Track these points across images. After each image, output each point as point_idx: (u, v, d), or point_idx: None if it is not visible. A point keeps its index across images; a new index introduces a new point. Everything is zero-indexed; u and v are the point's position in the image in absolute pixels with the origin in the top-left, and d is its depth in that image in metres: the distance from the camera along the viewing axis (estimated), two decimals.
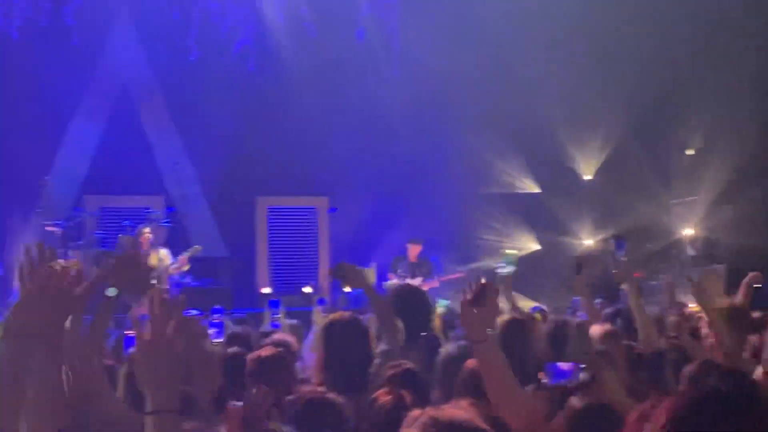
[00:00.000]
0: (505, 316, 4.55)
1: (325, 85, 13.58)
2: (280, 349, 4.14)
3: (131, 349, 3.95)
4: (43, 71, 12.65)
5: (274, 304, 5.89)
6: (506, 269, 5.44)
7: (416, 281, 11.11)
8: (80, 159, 13.45)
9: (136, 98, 13.84)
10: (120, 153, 13.25)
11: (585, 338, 3.91)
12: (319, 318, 6.17)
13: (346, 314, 4.08)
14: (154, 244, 11.67)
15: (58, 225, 12.15)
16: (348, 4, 13.63)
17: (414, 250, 12.16)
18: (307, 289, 12.97)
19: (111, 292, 3.71)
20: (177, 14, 13.15)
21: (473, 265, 13.42)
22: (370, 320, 5.99)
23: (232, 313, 8.93)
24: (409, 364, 3.73)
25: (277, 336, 4.79)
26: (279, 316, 5.82)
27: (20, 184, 12.41)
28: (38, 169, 12.44)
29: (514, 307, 5.43)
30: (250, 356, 4.06)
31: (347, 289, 12.40)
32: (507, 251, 5.50)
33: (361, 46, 13.70)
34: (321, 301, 6.47)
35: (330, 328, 3.86)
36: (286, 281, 13.76)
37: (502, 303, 5.26)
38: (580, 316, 5.47)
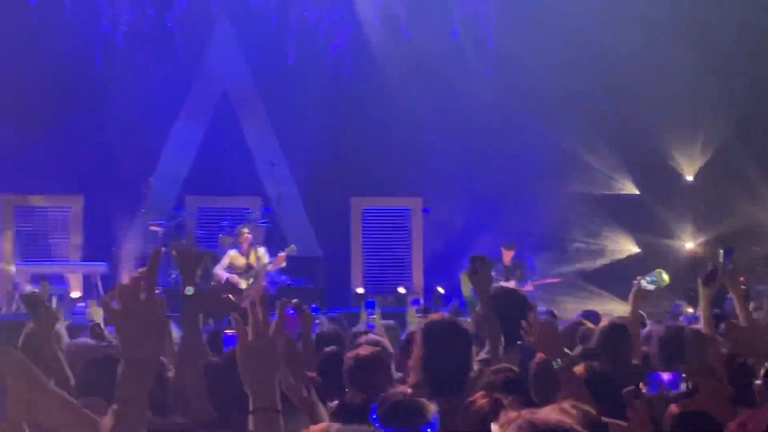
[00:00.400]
0: (604, 321, 4.46)
1: (420, 85, 13.60)
2: (378, 348, 4.16)
3: (231, 348, 4.06)
4: (147, 76, 13.10)
5: (370, 304, 5.91)
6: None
7: (509, 285, 11.01)
8: (182, 160, 13.86)
9: (235, 101, 14.17)
10: (219, 154, 13.61)
11: (703, 346, 3.82)
12: (414, 319, 6.19)
13: (446, 317, 4.06)
14: (253, 244, 11.92)
15: (161, 225, 12.57)
16: (442, 5, 13.62)
17: (508, 255, 12.06)
18: (401, 290, 13.05)
19: (189, 290, 3.82)
20: (275, 19, 13.42)
21: (569, 269, 13.22)
22: (468, 324, 5.97)
23: (327, 312, 9.04)
24: (511, 370, 3.69)
25: (371, 336, 4.82)
26: (374, 317, 5.85)
27: (127, 185, 12.88)
28: (143, 170, 12.90)
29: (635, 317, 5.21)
30: (349, 354, 4.09)
31: (440, 290, 12.44)
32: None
33: (455, 45, 13.67)
34: (415, 302, 6.47)
35: (429, 330, 3.83)
36: (380, 282, 13.84)
37: (627, 311, 5.19)
38: (683, 321, 5.32)
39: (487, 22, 13.70)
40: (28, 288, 11.18)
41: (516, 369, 3.80)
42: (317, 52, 13.61)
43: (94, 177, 13.08)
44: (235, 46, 14.01)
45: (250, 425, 2.14)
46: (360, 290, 13.41)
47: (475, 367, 3.89)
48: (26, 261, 12.49)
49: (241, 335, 2.20)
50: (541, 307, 7.10)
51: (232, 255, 11.70)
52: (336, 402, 3.89)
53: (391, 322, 6.36)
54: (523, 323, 3.79)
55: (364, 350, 4.03)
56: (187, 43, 13.35)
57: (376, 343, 4.37)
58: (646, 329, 5.33)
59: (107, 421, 2.00)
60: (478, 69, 13.69)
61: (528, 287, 11.51)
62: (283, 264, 12.02)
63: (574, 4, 13.20)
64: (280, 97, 13.90)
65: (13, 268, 12.37)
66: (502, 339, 4.39)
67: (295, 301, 4.68)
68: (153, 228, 12.53)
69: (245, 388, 2.19)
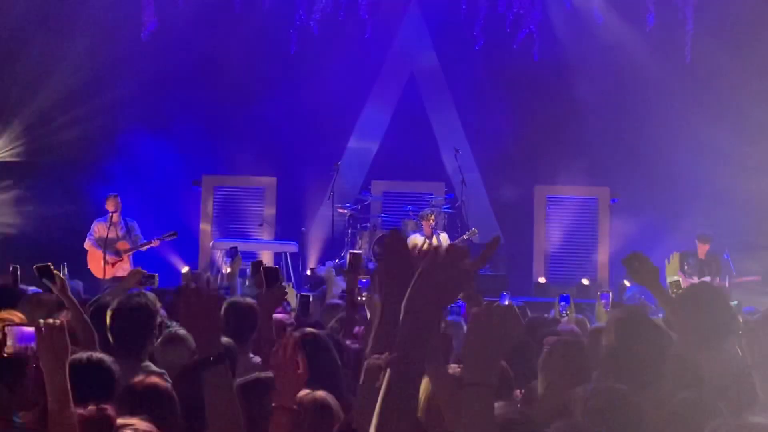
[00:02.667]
0: None
1: (610, 72, 13.18)
2: (577, 339, 4.13)
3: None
4: (338, 62, 13.50)
5: (564, 299, 5.82)
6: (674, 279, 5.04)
7: (705, 280, 10.50)
8: (369, 145, 14.20)
9: (422, 87, 14.32)
10: (405, 140, 13.82)
11: None
12: (602, 312, 6.03)
13: (636, 309, 3.94)
14: (436, 229, 12.05)
15: (348, 207, 12.97)
16: None
17: (703, 248, 11.48)
18: (585, 282, 12.74)
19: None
20: (464, 4, 13.42)
21: None
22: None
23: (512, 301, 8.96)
24: None
25: (567, 326, 4.76)
26: (567, 312, 5.75)
27: (317, 168, 13.37)
28: (333, 154, 13.33)
29: None
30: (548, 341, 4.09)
31: (627, 284, 12.03)
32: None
33: (651, 34, 13.12)
34: (604, 296, 6.28)
35: (621, 324, 3.73)
36: (562, 272, 13.59)
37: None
38: None
39: (685, 4, 13.04)
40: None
41: None
42: (505, 39, 13.50)
43: (287, 160, 13.67)
44: (423, 32, 14.14)
45: (462, 400, 2.17)
46: (542, 280, 13.24)
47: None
48: (223, 238, 13.26)
49: (476, 312, 2.23)
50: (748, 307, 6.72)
51: (416, 238, 11.87)
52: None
53: (579, 315, 6.22)
54: None
55: (565, 337, 4.02)
56: (376, 30, 13.63)
57: (573, 334, 4.32)
58: None
59: None
60: (674, 55, 13.08)
61: (723, 284, 10.91)
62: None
63: None
64: (467, 83, 13.91)
65: (211, 244, 13.19)
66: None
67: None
68: (340, 210, 12.96)
69: (463, 362, 2.25)
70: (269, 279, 4.15)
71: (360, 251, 4.56)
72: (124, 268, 10.60)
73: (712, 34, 12.82)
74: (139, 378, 3.20)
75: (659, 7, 13.12)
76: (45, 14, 12.88)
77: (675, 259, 5.59)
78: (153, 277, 5.66)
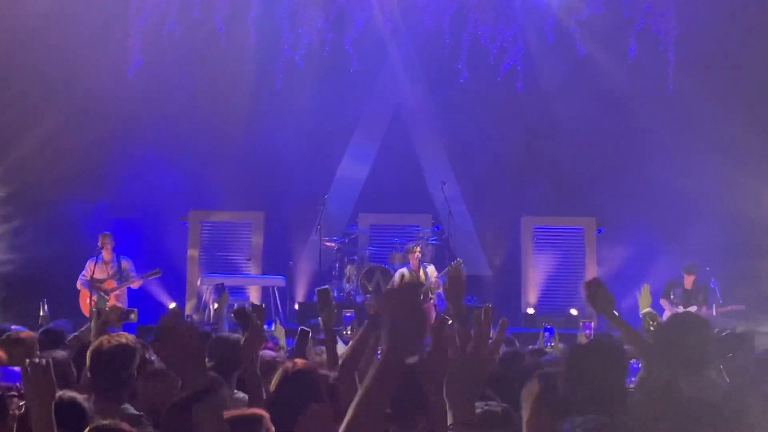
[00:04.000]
0: None
1: (594, 104, 13.31)
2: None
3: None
4: (324, 97, 13.59)
5: (549, 330, 5.85)
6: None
7: (691, 310, 10.54)
8: (356, 178, 14.24)
9: (408, 119, 14.41)
10: (392, 172, 13.88)
11: None
12: (584, 342, 6.04)
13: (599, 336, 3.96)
14: (423, 261, 12.06)
15: (335, 241, 12.99)
16: (619, 21, 13.28)
17: (689, 279, 11.55)
18: (573, 312, 12.75)
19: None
20: (448, 38, 13.57)
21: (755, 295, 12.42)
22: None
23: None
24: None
25: (552, 357, 4.77)
26: (552, 344, 5.77)
27: (304, 202, 13.38)
28: (320, 188, 13.36)
29: None
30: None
31: None
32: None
33: (633, 65, 13.28)
34: (587, 326, 6.30)
35: (578, 353, 3.73)
36: (550, 302, 13.59)
37: None
38: None
39: (666, 36, 13.21)
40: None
41: None
42: (489, 71, 13.62)
43: (274, 194, 13.68)
44: (409, 65, 14.27)
45: None
46: (530, 311, 13.24)
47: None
48: (210, 273, 13.22)
49: (459, 349, 2.24)
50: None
51: (403, 273, 11.88)
52: None
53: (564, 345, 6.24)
54: None
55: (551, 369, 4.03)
56: (362, 64, 13.73)
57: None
58: None
59: None
60: (656, 86, 13.23)
61: (710, 313, 10.95)
62: (440, 290, 12.10)
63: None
64: (452, 116, 14.02)
65: (198, 281, 13.14)
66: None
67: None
68: (328, 244, 12.97)
69: (448, 400, 2.25)
70: (242, 322, 4.10)
71: (326, 287, 4.49)
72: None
73: (693, 65, 13.01)
74: (105, 422, 3.17)
75: (640, 40, 13.30)
76: (30, 50, 12.89)
77: (645, 291, 5.64)
78: (131, 312, 5.66)
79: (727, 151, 12.92)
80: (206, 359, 3.68)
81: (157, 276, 11.21)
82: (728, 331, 4.69)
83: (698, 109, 13.00)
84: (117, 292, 11.01)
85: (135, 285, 11.16)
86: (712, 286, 11.44)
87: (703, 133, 12.95)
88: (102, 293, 10.75)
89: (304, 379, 3.63)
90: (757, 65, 12.61)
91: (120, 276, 11.11)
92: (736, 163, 12.90)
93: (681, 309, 10.72)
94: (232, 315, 4.62)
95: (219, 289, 9.06)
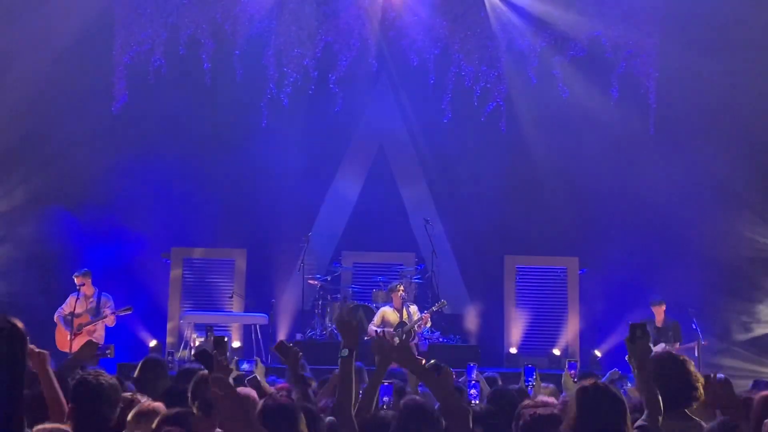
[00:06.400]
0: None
1: (578, 144, 13.42)
2: (554, 410, 4.10)
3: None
4: (308, 135, 13.65)
5: (529, 371, 5.80)
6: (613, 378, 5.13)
7: (658, 348, 10.55)
8: (339, 216, 14.23)
9: (392, 159, 14.46)
10: (375, 211, 13.89)
11: None
12: (570, 383, 5.99)
13: (600, 383, 3.92)
14: (406, 300, 12.02)
15: (318, 279, 12.94)
16: (601, 62, 13.43)
17: (659, 311, 11.61)
18: (556, 352, 12.72)
19: (344, 353, 4.02)
20: (432, 78, 13.68)
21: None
22: (630, 392, 5.73)
23: (483, 371, 8.91)
24: None
25: (540, 398, 4.72)
26: (532, 384, 5.73)
27: (287, 240, 13.34)
28: (303, 225, 13.33)
29: None
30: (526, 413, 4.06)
31: (598, 354, 12.02)
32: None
33: (614, 105, 13.44)
34: (572, 366, 6.25)
35: (583, 394, 3.72)
36: (533, 342, 13.55)
37: None
38: None
39: (647, 79, 13.38)
40: (200, 340, 11.76)
41: None
42: (473, 111, 13.71)
43: (256, 231, 13.64)
44: (392, 105, 14.34)
45: None
46: (513, 350, 13.20)
47: None
48: (192, 311, 13.11)
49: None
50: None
51: (386, 311, 11.84)
52: None
53: (551, 385, 6.19)
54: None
55: (542, 411, 4.00)
56: (347, 103, 13.79)
57: (547, 405, 4.29)
58: None
59: None
60: (638, 127, 13.36)
61: (676, 348, 11.00)
62: (428, 324, 12.07)
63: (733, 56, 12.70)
64: (436, 155, 14.10)
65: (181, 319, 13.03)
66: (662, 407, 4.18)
67: (433, 361, 4.79)
68: (311, 282, 12.92)
69: None
70: (206, 364, 3.92)
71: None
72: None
73: (674, 106, 13.15)
74: None
75: (622, 81, 13.46)
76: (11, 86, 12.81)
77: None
78: (108, 348, 5.59)
79: (710, 191, 13.05)
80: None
81: (129, 313, 11.21)
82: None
83: (680, 150, 13.14)
84: (90, 327, 10.95)
85: (108, 321, 11.09)
86: (694, 327, 11.44)
87: (685, 174, 13.08)
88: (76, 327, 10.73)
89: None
90: (739, 106, 12.78)
91: (96, 312, 11.06)
92: (718, 204, 13.03)
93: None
94: (193, 358, 4.55)
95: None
